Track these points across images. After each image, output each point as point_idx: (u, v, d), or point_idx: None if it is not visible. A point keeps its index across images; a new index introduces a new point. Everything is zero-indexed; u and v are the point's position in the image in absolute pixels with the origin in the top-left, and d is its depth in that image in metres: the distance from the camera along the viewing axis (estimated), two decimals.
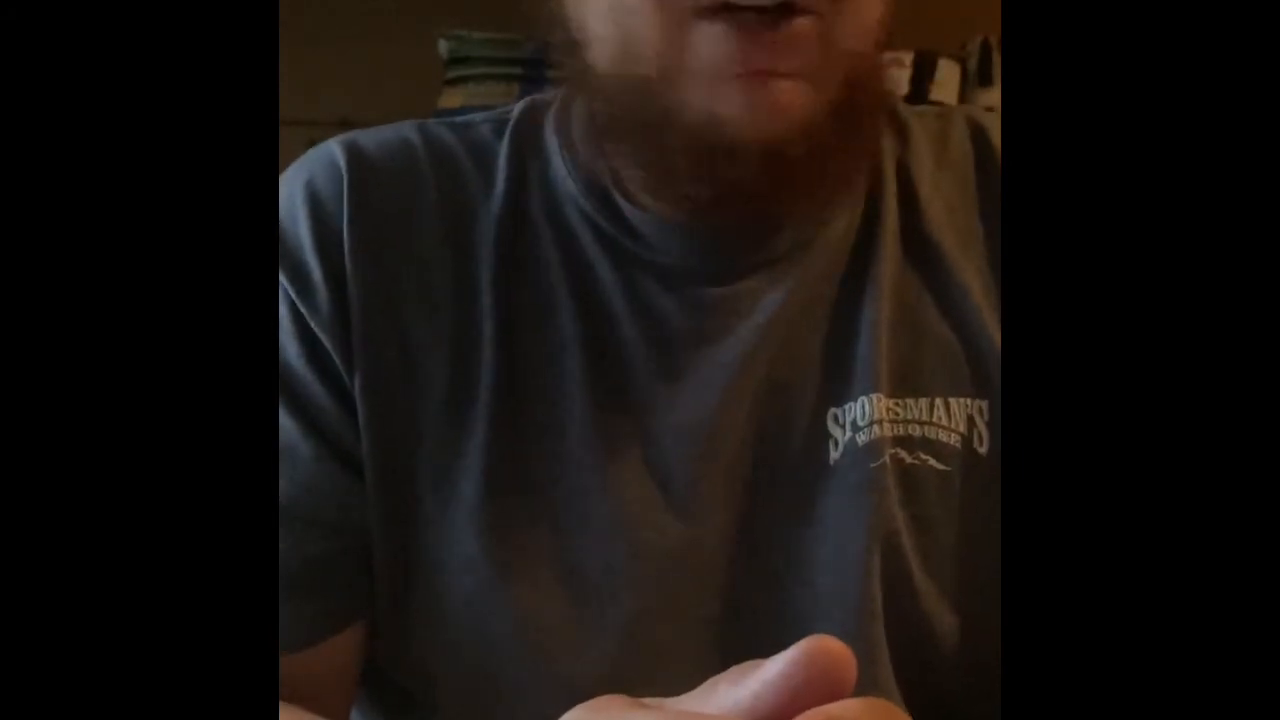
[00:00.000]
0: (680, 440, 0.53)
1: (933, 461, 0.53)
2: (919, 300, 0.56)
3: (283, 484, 0.52)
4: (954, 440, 0.54)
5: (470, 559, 0.52)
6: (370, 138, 0.57)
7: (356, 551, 0.53)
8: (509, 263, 0.55)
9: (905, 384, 0.54)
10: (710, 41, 0.47)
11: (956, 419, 0.54)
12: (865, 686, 0.39)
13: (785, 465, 0.53)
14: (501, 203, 0.56)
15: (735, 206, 0.51)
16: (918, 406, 0.54)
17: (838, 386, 0.54)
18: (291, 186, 0.55)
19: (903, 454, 0.53)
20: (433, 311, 0.54)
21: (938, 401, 0.54)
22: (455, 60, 1.71)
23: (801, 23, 0.47)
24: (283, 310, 0.53)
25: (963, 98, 1.67)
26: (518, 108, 0.60)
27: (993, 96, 1.68)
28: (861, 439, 0.53)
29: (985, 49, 1.68)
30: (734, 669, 0.33)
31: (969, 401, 0.54)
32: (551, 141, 0.58)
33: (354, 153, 0.56)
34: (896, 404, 0.53)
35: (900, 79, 1.34)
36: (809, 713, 0.30)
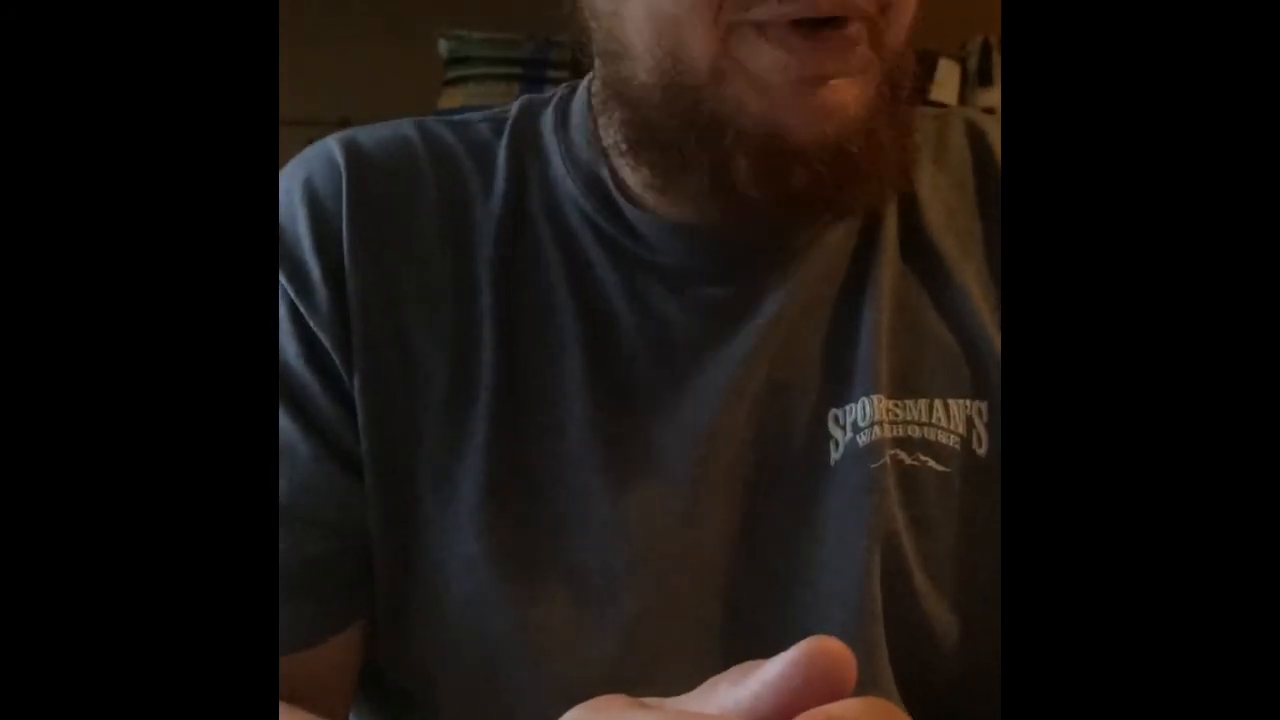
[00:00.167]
0: (681, 441, 0.53)
1: (932, 463, 0.53)
2: (919, 302, 0.56)
3: (282, 484, 0.52)
4: (953, 441, 0.54)
5: (470, 559, 0.52)
6: (368, 135, 0.57)
7: (356, 552, 0.53)
8: (509, 262, 0.55)
9: (905, 385, 0.54)
10: (765, 51, 0.48)
11: (956, 420, 0.54)
12: (865, 687, 0.39)
13: (786, 466, 0.53)
14: (502, 202, 0.56)
15: (799, 207, 0.52)
16: (917, 408, 0.54)
17: (838, 387, 0.54)
18: (290, 184, 0.55)
19: (902, 455, 0.53)
20: (433, 311, 0.54)
21: (937, 403, 0.54)
22: (455, 60, 1.71)
23: (854, 28, 0.48)
24: (282, 309, 0.53)
25: (963, 98, 1.67)
26: (515, 107, 0.60)
27: (993, 96, 1.68)
28: (862, 440, 0.53)
29: (985, 49, 1.68)
30: (734, 669, 0.33)
31: (968, 403, 0.54)
32: (551, 142, 0.58)
33: (352, 150, 0.56)
34: (896, 405, 0.54)
35: None
36: (809, 713, 0.30)
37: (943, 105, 1.38)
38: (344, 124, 0.65)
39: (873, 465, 0.52)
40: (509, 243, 0.55)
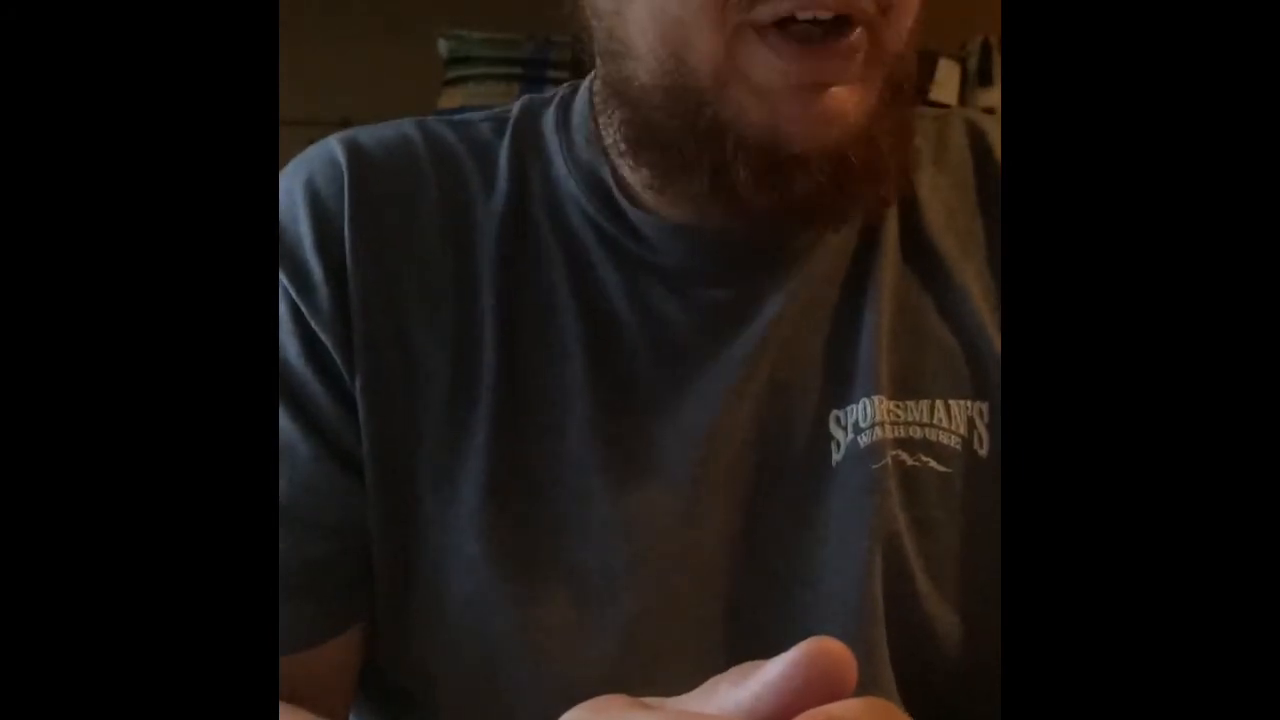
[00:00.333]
0: (682, 441, 0.53)
1: (933, 463, 0.53)
2: (919, 303, 0.56)
3: (282, 484, 0.52)
4: (954, 442, 0.54)
5: (471, 559, 0.52)
6: (370, 135, 0.57)
7: (356, 552, 0.53)
8: (510, 262, 0.55)
9: (906, 386, 0.54)
10: (767, 55, 0.48)
11: (957, 421, 0.54)
12: (866, 687, 0.39)
13: (787, 467, 0.53)
14: (503, 202, 0.56)
15: (800, 214, 0.52)
16: (918, 409, 0.54)
17: (839, 388, 0.54)
18: (291, 184, 0.55)
19: (904, 456, 0.53)
20: (434, 311, 0.54)
21: (938, 404, 0.54)
22: (455, 60, 1.72)
23: (856, 34, 0.48)
24: (283, 309, 0.53)
25: (963, 98, 1.68)
26: (516, 107, 0.60)
27: (993, 96, 1.68)
28: (863, 441, 0.53)
29: (985, 49, 1.68)
30: (735, 669, 0.33)
31: (969, 404, 0.54)
32: (553, 141, 0.58)
33: (354, 150, 0.56)
34: (897, 406, 0.54)
35: None
36: (809, 713, 0.30)
37: (943, 105, 1.38)
38: (344, 124, 0.65)
39: (874, 466, 0.52)
40: (510, 243, 0.55)
